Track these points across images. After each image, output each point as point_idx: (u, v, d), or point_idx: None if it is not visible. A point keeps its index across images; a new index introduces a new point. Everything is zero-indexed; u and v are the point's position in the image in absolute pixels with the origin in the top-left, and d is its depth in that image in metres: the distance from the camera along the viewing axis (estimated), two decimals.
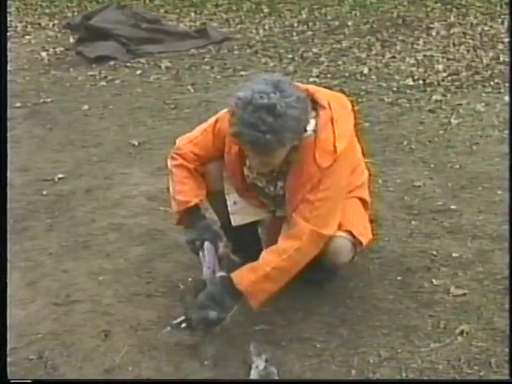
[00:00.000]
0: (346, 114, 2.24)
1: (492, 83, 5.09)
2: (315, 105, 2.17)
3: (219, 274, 2.24)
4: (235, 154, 2.29)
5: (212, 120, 2.38)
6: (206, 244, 2.30)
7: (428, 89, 5.05)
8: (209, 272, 2.26)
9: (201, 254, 2.31)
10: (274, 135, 2.00)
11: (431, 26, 7.16)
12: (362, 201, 2.45)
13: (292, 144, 2.11)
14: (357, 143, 2.40)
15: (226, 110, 2.31)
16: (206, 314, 2.13)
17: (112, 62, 6.22)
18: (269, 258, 2.18)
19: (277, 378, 2.03)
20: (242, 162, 2.31)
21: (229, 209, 2.43)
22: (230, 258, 2.46)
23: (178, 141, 2.43)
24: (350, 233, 2.31)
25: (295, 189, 2.21)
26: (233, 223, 2.43)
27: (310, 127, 2.15)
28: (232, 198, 2.43)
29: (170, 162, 2.41)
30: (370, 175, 2.54)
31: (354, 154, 2.29)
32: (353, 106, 2.30)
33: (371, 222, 2.50)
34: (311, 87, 2.24)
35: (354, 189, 2.40)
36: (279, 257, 2.17)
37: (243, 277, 2.16)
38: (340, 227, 2.30)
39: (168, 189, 2.45)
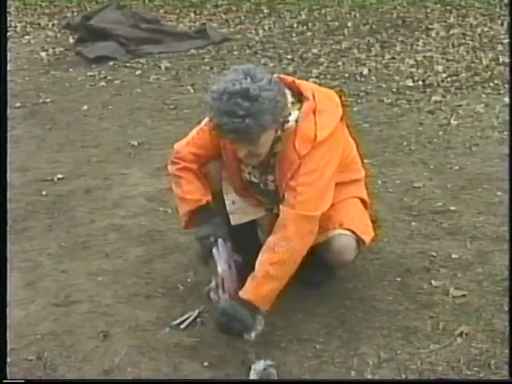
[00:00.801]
0: (332, 106, 2.24)
1: (491, 84, 5.09)
2: (300, 96, 2.19)
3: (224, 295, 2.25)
4: (231, 150, 2.29)
5: (207, 118, 2.38)
6: (220, 241, 2.30)
7: (427, 90, 5.05)
8: (226, 267, 2.26)
9: (215, 250, 2.30)
10: (252, 119, 2.03)
11: (431, 26, 7.16)
12: (362, 201, 2.46)
13: (272, 127, 2.12)
14: (351, 141, 2.40)
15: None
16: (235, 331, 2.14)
17: (111, 63, 6.22)
18: (262, 258, 2.18)
19: (276, 378, 2.02)
20: (238, 158, 2.31)
21: (227, 208, 2.44)
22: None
23: (175, 146, 2.43)
24: (353, 231, 2.31)
25: (280, 179, 2.22)
26: (232, 222, 2.44)
27: (293, 117, 2.17)
28: (230, 198, 2.44)
29: (171, 168, 2.41)
30: (366, 176, 2.54)
31: (339, 145, 2.25)
32: (342, 103, 2.30)
33: (372, 222, 2.50)
34: (297, 80, 2.25)
35: (349, 182, 2.39)
36: (272, 252, 2.16)
37: (246, 288, 2.16)
38: (342, 225, 2.30)
39: (168, 189, 2.45)
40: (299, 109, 2.18)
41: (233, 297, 2.20)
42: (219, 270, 2.27)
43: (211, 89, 2.09)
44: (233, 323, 2.12)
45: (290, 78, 2.24)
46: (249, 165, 2.31)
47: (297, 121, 2.17)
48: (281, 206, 2.20)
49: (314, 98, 2.19)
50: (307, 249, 2.20)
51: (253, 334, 2.14)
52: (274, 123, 2.12)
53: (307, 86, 2.24)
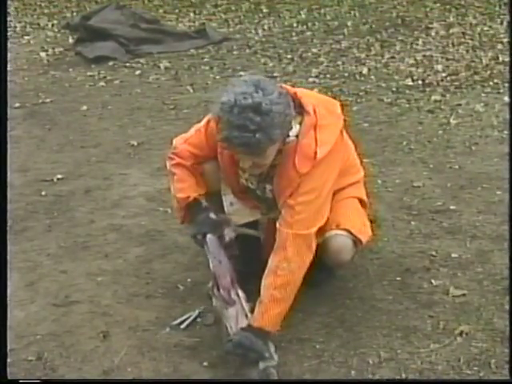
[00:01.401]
0: (333, 120, 2.22)
1: (491, 83, 5.09)
2: (301, 110, 2.17)
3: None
4: (228, 156, 2.29)
5: (205, 120, 2.38)
6: (209, 236, 2.30)
7: (427, 89, 5.05)
8: (216, 262, 2.26)
9: (205, 247, 2.31)
10: (263, 133, 2.01)
11: (430, 26, 7.16)
12: (360, 200, 2.45)
13: (280, 140, 2.11)
14: (350, 144, 2.40)
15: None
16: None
17: (111, 63, 6.21)
18: (267, 282, 2.16)
19: (276, 378, 2.02)
20: (235, 163, 2.31)
21: (225, 209, 2.44)
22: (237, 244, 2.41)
23: (174, 141, 2.44)
24: (349, 231, 2.31)
25: (278, 193, 2.23)
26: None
27: (293, 133, 2.15)
28: (228, 199, 2.44)
29: (168, 163, 2.42)
30: (365, 176, 2.53)
31: (338, 161, 2.25)
32: (343, 110, 2.28)
33: (370, 222, 2.50)
34: (299, 91, 2.23)
35: (347, 186, 2.39)
36: (274, 275, 2.14)
37: (255, 315, 2.13)
38: (339, 226, 2.30)
39: (168, 189, 2.45)
40: (300, 123, 2.16)
41: (239, 327, 2.13)
42: (210, 266, 2.27)
43: (220, 100, 2.06)
44: (249, 354, 2.07)
45: (291, 90, 2.21)
46: (247, 173, 2.31)
47: (297, 136, 2.15)
48: (277, 225, 2.19)
49: (314, 112, 2.17)
50: (308, 264, 2.20)
51: (270, 363, 2.08)
52: (282, 136, 2.11)
53: (309, 100, 2.20)
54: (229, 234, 2.34)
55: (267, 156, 2.12)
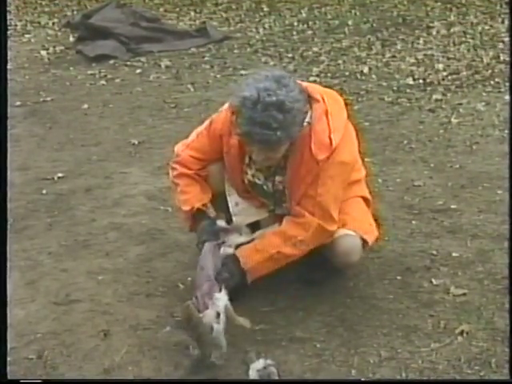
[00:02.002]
0: (339, 108, 2.26)
1: (492, 82, 5.09)
2: (309, 98, 2.19)
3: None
4: (234, 154, 2.29)
5: (207, 122, 2.38)
6: (205, 245, 2.30)
7: (428, 88, 5.05)
8: (198, 269, 2.24)
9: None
10: (284, 131, 2.03)
11: (431, 25, 7.16)
12: (364, 199, 2.45)
13: (292, 139, 2.14)
14: (354, 138, 2.41)
15: (221, 110, 2.32)
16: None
17: (112, 61, 6.21)
18: (274, 240, 2.24)
19: (277, 377, 2.02)
20: (242, 160, 2.31)
21: (230, 210, 2.43)
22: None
23: (175, 148, 2.43)
24: (357, 232, 2.32)
25: (296, 182, 2.23)
26: (235, 224, 2.44)
27: (306, 119, 2.17)
28: (233, 199, 2.44)
29: (170, 173, 2.43)
30: (366, 175, 2.54)
31: (350, 147, 2.28)
32: (345, 103, 2.32)
33: (374, 220, 2.50)
34: (303, 82, 2.25)
35: (352, 183, 2.39)
36: (284, 242, 2.23)
37: (249, 257, 2.23)
38: (345, 226, 2.30)
39: (168, 188, 2.45)
40: (310, 109, 2.18)
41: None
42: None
43: (242, 95, 2.05)
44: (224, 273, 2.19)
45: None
46: (254, 168, 2.32)
47: (309, 122, 2.16)
48: (297, 208, 2.23)
49: (323, 100, 2.19)
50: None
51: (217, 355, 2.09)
52: (299, 132, 2.13)
53: (314, 89, 2.24)
54: (236, 240, 2.35)
55: (281, 150, 2.15)
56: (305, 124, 2.16)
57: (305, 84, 2.23)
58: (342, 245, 2.29)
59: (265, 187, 2.35)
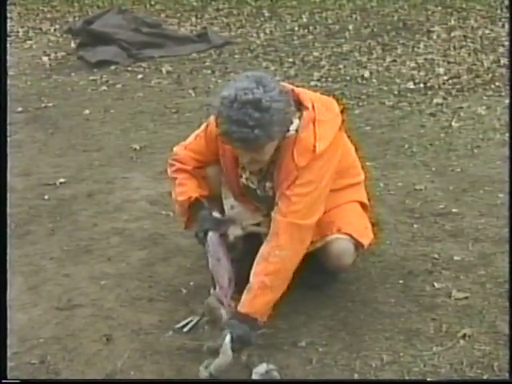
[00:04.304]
0: (332, 117, 2.23)
1: (493, 86, 5.09)
2: (300, 106, 2.18)
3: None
4: (229, 156, 2.30)
5: (204, 125, 2.39)
6: (210, 234, 2.28)
7: (429, 92, 5.05)
8: (214, 261, 2.23)
9: (206, 245, 2.28)
10: (262, 130, 2.02)
11: (432, 29, 7.17)
12: (362, 204, 2.45)
13: (279, 138, 2.12)
14: (350, 145, 2.40)
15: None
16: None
17: (113, 67, 6.23)
18: (257, 269, 2.14)
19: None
20: (237, 163, 2.31)
21: (226, 213, 2.44)
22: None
23: (174, 149, 2.44)
24: (351, 235, 2.31)
25: (277, 187, 2.22)
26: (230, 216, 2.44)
27: (293, 127, 2.16)
28: (229, 203, 2.45)
29: (169, 170, 2.43)
30: (367, 179, 2.54)
31: (336, 156, 2.24)
32: (342, 111, 2.29)
33: (372, 225, 2.50)
34: (296, 88, 2.25)
35: (346, 187, 2.39)
36: (266, 262, 2.13)
37: (243, 301, 2.11)
38: (339, 230, 2.30)
39: (169, 193, 2.45)
40: (299, 117, 2.17)
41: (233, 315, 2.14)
42: (209, 265, 2.25)
43: (221, 94, 2.06)
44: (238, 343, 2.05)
45: (288, 86, 2.22)
46: (248, 171, 2.32)
47: (297, 130, 2.16)
48: (272, 214, 2.19)
49: (313, 107, 2.18)
50: (300, 258, 2.19)
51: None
52: (281, 134, 2.12)
53: (306, 95, 2.23)
54: (235, 232, 2.32)
55: (265, 152, 2.13)
56: (292, 132, 2.16)
57: (298, 90, 2.22)
58: (333, 248, 2.28)
59: (258, 191, 2.35)
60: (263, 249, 2.16)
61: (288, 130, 2.15)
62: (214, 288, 2.23)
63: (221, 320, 2.14)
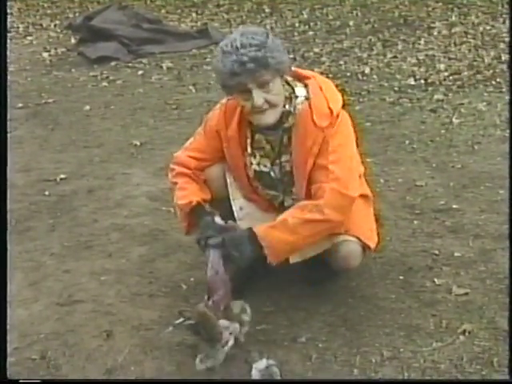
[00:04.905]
0: (331, 85, 2.29)
1: (494, 82, 5.09)
2: (301, 78, 2.26)
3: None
4: (235, 146, 2.27)
5: (202, 123, 2.39)
6: (212, 244, 2.21)
7: (429, 88, 5.05)
8: (212, 272, 2.19)
9: (206, 253, 2.23)
10: (260, 50, 2.05)
11: (432, 25, 7.16)
12: (364, 196, 2.43)
13: (282, 73, 2.15)
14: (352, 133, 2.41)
15: (214, 109, 2.38)
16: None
17: (113, 63, 6.23)
18: (290, 212, 2.15)
19: (279, 377, 2.02)
20: (244, 152, 2.29)
21: (235, 215, 2.37)
22: None
23: (174, 155, 2.42)
24: (358, 238, 2.30)
25: (303, 157, 2.19)
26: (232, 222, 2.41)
27: (302, 93, 2.21)
28: (238, 204, 2.38)
29: (169, 175, 2.40)
30: (368, 175, 2.53)
31: (349, 121, 2.29)
32: (346, 103, 2.33)
33: (376, 220, 2.49)
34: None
35: None
36: (298, 209, 2.14)
37: (266, 231, 2.12)
38: (348, 232, 2.28)
39: (170, 189, 2.45)
40: (305, 86, 2.23)
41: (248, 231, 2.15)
42: (207, 274, 2.19)
43: (217, 49, 2.14)
44: (233, 250, 2.12)
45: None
46: (259, 154, 2.29)
47: (307, 98, 2.21)
48: (312, 187, 2.18)
49: (315, 78, 2.27)
50: (327, 232, 2.18)
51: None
52: (284, 69, 2.15)
53: (306, 71, 2.31)
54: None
55: (274, 90, 2.12)
56: (302, 98, 2.20)
57: (296, 68, 2.31)
58: (342, 250, 2.27)
59: (272, 174, 2.31)
60: (304, 201, 2.18)
61: (297, 97, 2.20)
62: (208, 298, 2.16)
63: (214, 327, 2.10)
